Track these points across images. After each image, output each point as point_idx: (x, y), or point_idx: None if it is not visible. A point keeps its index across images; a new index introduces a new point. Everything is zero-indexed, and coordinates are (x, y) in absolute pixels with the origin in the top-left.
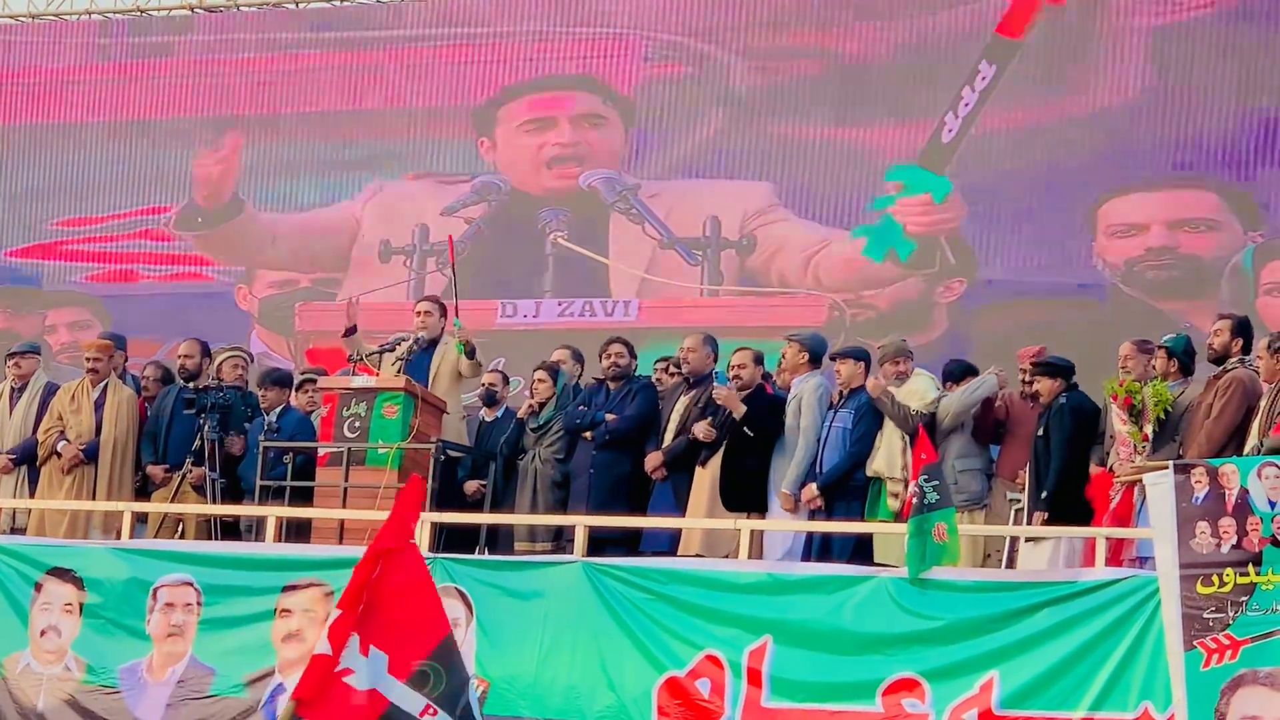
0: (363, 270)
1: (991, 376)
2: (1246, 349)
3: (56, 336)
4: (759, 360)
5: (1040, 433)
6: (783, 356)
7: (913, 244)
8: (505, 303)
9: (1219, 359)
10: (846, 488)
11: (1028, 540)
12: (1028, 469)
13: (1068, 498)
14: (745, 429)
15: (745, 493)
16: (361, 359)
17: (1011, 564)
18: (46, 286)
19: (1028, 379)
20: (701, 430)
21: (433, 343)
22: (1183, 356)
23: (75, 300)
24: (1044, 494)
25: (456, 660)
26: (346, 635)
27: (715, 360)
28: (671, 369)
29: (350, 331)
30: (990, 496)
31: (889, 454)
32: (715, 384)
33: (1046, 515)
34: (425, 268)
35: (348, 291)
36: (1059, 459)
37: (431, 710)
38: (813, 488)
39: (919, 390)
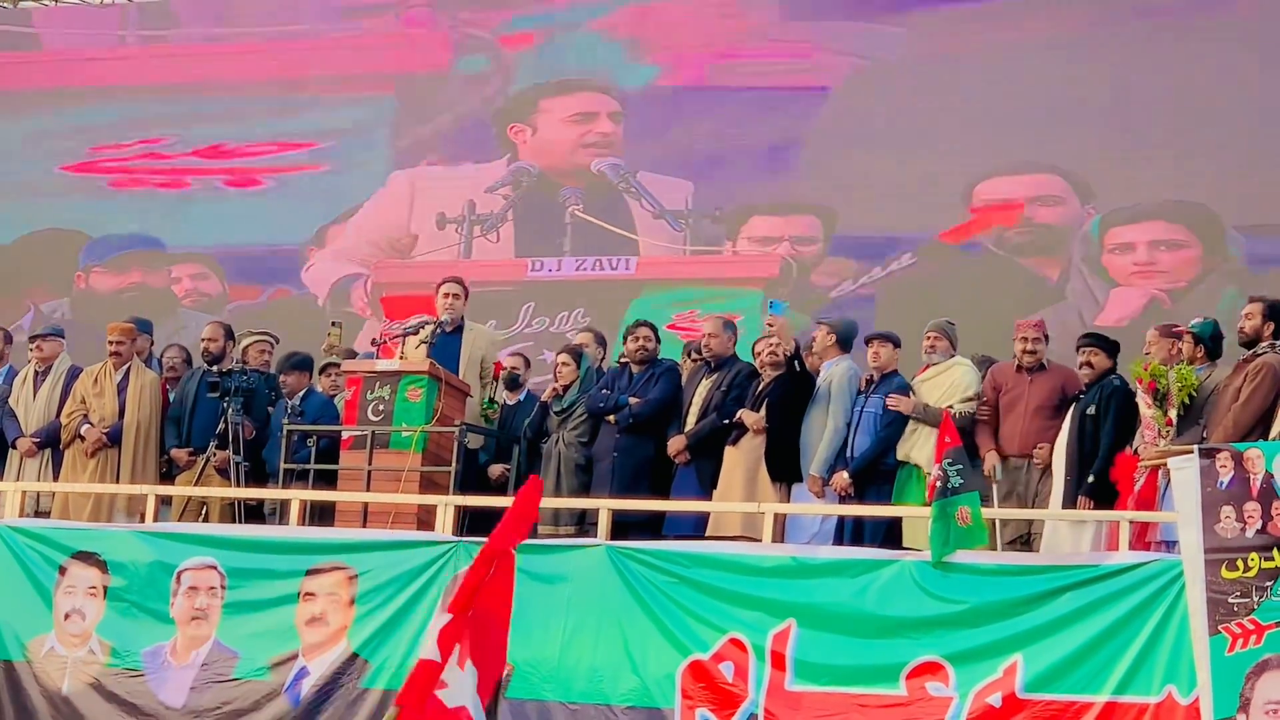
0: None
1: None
2: (1279, 333)
3: (181, 286)
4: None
5: (1090, 410)
6: (813, 340)
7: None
8: (533, 260)
9: (1250, 342)
10: (877, 472)
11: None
12: (1065, 447)
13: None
14: (795, 363)
15: (788, 461)
16: (385, 341)
17: (1028, 545)
18: (170, 247)
19: (1030, 348)
20: (751, 419)
21: (459, 327)
22: (1209, 342)
23: (193, 258)
24: (1091, 477)
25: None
26: (454, 642)
27: (735, 341)
28: (694, 354)
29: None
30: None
31: (930, 445)
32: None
33: (1093, 503)
34: (473, 234)
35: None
36: (1111, 439)
37: None
38: (844, 475)
39: (960, 384)
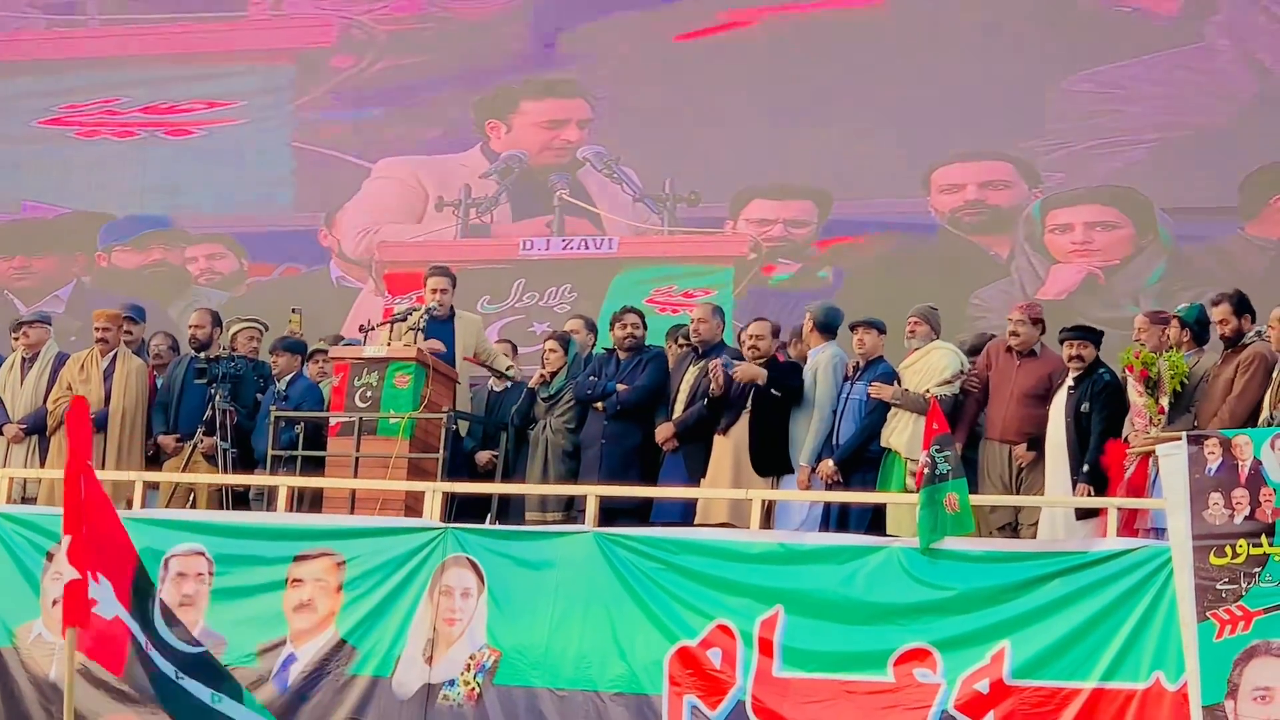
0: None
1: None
2: (1254, 319)
3: (197, 265)
4: (775, 332)
5: (1084, 408)
6: (799, 328)
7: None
8: (524, 239)
9: (1233, 340)
10: (862, 459)
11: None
12: (1061, 443)
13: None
14: (773, 390)
15: (773, 456)
16: (373, 328)
17: (1015, 533)
18: (187, 228)
19: (1014, 329)
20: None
21: (449, 317)
22: (1195, 326)
23: (210, 238)
24: (1086, 467)
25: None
26: (86, 558)
27: (724, 328)
28: (681, 339)
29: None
30: None
31: (914, 434)
32: (730, 365)
33: (1092, 490)
34: (469, 217)
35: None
36: (1101, 429)
37: (150, 644)
38: (829, 463)
39: (937, 366)
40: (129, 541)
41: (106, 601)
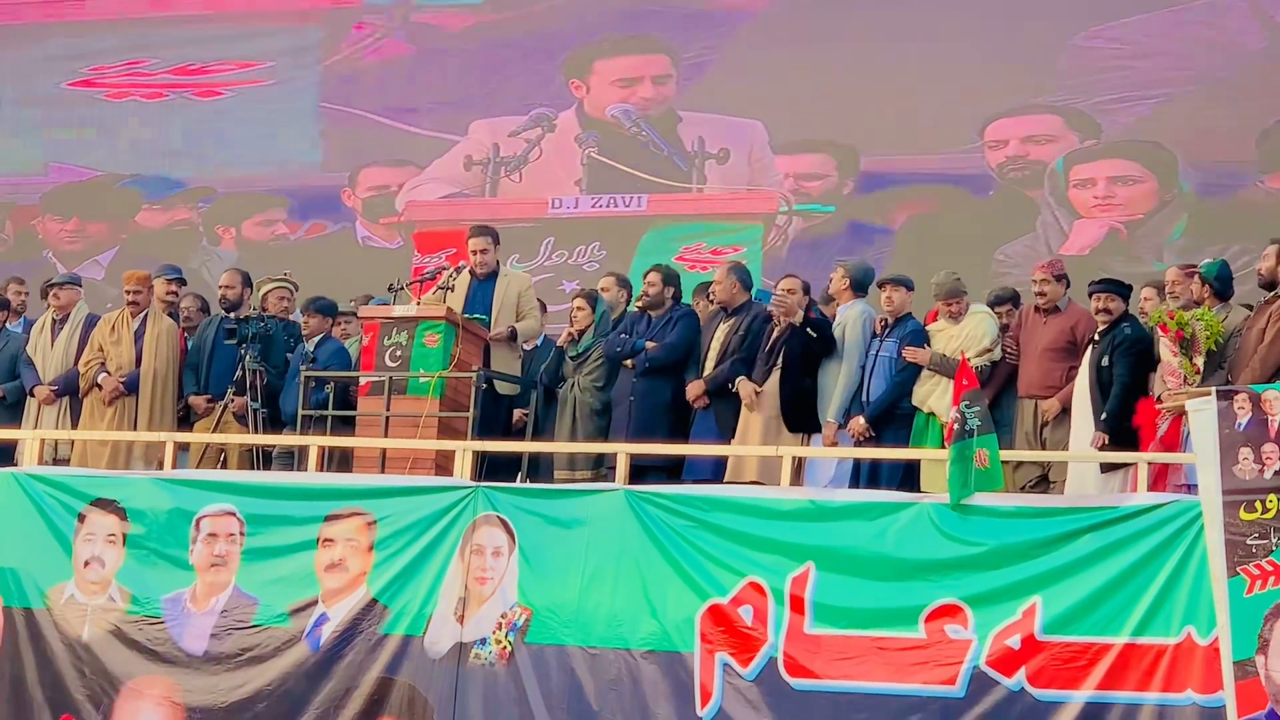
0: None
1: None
2: None
3: (257, 229)
4: (806, 289)
5: (1105, 361)
6: (830, 283)
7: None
8: (553, 198)
9: (1269, 284)
10: (894, 416)
11: (1103, 471)
12: (1085, 396)
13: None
14: (809, 330)
15: (804, 412)
16: (404, 287)
17: (1045, 485)
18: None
19: (1039, 289)
20: (745, 391)
21: (491, 275)
22: (1215, 282)
23: (243, 198)
24: (1103, 416)
25: None
26: None
27: (742, 289)
28: (710, 296)
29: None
30: None
31: (948, 396)
32: (769, 303)
33: (1107, 439)
34: (498, 174)
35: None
36: (1122, 386)
37: None
38: (860, 420)
39: (976, 335)
40: None
41: None
